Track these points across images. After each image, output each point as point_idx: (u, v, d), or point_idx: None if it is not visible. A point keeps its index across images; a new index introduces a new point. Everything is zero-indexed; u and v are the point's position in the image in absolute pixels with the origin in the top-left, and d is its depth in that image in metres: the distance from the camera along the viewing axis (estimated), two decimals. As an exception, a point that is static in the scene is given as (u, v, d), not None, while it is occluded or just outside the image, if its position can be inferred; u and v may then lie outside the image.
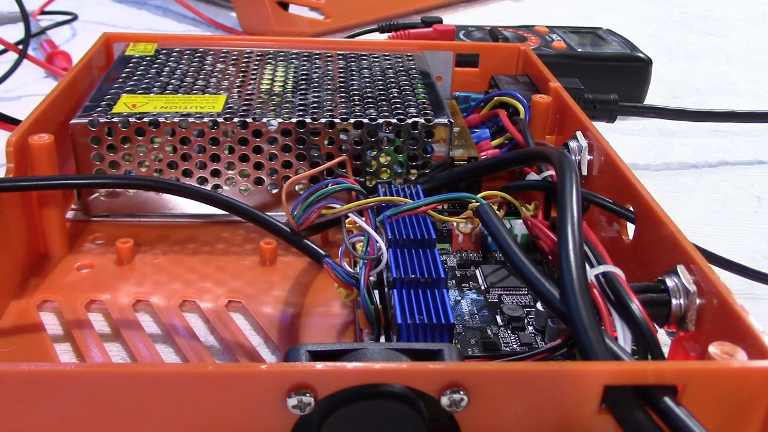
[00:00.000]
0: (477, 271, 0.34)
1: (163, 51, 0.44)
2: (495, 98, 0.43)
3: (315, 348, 0.23)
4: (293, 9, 0.70)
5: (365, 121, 0.37)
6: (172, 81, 0.40)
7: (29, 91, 0.57)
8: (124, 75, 0.41)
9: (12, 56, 0.58)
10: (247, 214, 0.34)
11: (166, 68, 0.42)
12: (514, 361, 0.27)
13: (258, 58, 0.44)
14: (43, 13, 0.73)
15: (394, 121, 0.37)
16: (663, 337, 0.27)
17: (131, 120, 0.36)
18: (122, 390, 0.21)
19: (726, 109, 0.53)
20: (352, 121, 0.37)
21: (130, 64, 0.42)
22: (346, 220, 0.31)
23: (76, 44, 0.68)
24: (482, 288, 0.33)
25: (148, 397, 0.21)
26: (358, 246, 0.30)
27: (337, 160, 0.36)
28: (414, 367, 0.21)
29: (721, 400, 0.22)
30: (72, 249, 0.36)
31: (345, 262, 0.30)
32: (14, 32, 0.66)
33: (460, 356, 0.24)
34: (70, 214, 0.38)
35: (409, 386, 0.21)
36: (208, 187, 0.37)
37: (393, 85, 0.41)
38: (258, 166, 0.37)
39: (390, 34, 0.62)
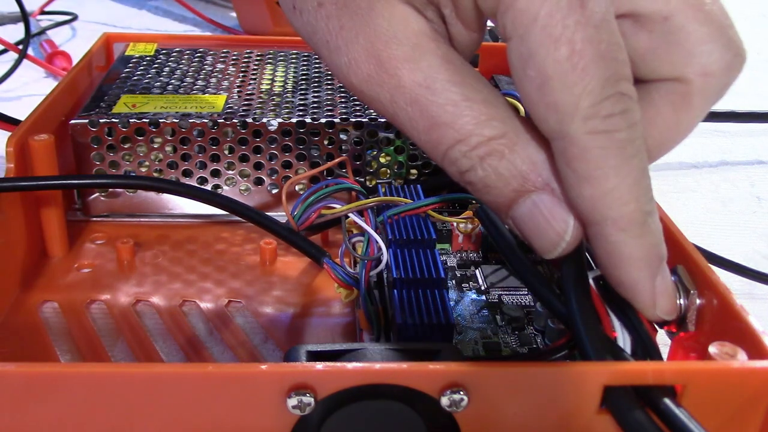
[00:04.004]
0: (477, 271, 0.34)
1: (163, 51, 0.44)
2: (495, 98, 0.43)
3: (315, 348, 0.23)
4: (293, 9, 0.69)
5: (365, 121, 0.37)
6: (172, 81, 0.40)
7: (29, 91, 0.57)
8: (124, 75, 0.41)
9: (12, 56, 0.58)
10: (247, 214, 0.34)
11: (166, 68, 0.42)
12: (514, 361, 0.27)
13: (258, 58, 0.44)
14: (43, 13, 0.73)
15: (394, 121, 0.37)
16: (663, 337, 0.27)
17: (131, 120, 0.36)
18: (122, 390, 0.21)
19: (726, 109, 0.53)
20: (352, 121, 0.37)
21: (130, 64, 0.42)
22: (346, 220, 0.31)
23: (76, 44, 0.68)
24: (482, 288, 0.33)
25: (148, 397, 0.21)
26: (358, 246, 0.30)
27: (337, 160, 0.36)
28: (414, 367, 0.21)
29: (721, 400, 0.22)
30: (72, 249, 0.36)
31: (345, 262, 0.31)
32: (14, 32, 0.66)
33: (460, 356, 0.24)
34: (70, 214, 0.38)
35: (409, 386, 0.21)
36: (208, 187, 0.37)
37: (393, 85, 0.41)
38: (258, 166, 0.37)
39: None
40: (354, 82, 0.21)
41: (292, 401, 0.20)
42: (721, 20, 0.21)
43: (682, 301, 0.26)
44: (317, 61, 0.44)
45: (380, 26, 0.20)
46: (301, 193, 0.35)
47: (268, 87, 0.40)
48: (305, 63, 0.44)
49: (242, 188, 0.38)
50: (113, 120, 0.36)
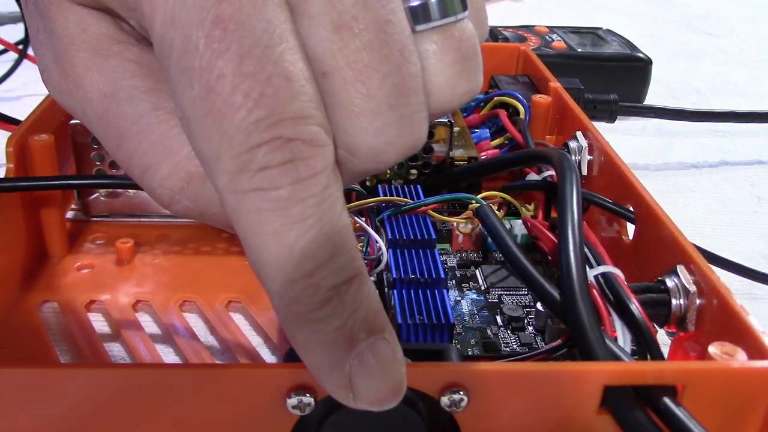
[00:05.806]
0: (477, 271, 0.34)
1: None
2: (495, 98, 0.43)
3: (315, 348, 0.23)
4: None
5: (365, 121, 0.37)
6: (172, 81, 0.40)
7: (29, 91, 0.57)
8: (124, 75, 0.41)
9: (12, 56, 0.57)
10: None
11: (166, 68, 0.42)
12: (514, 361, 0.27)
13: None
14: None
15: (394, 121, 0.37)
16: (663, 337, 0.27)
17: (131, 120, 0.36)
18: (122, 390, 0.21)
19: (726, 109, 0.53)
20: (352, 121, 0.37)
21: (130, 64, 0.42)
22: (346, 220, 0.31)
23: (76, 44, 0.67)
24: (482, 288, 0.33)
25: (148, 397, 0.21)
26: (358, 246, 0.30)
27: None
28: (414, 367, 0.21)
29: (721, 400, 0.22)
30: (72, 249, 0.36)
31: (345, 262, 0.30)
32: (14, 32, 0.66)
33: (460, 356, 0.24)
34: (70, 214, 0.38)
35: (409, 386, 0.21)
36: (208, 187, 0.37)
37: (393, 85, 0.41)
38: (258, 166, 0.37)
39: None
40: (51, 93, 0.19)
41: (292, 401, 0.20)
42: (391, 92, 0.16)
43: (682, 301, 0.26)
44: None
45: (57, 32, 0.18)
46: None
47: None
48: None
49: (242, 188, 0.38)
50: (113, 120, 0.36)
